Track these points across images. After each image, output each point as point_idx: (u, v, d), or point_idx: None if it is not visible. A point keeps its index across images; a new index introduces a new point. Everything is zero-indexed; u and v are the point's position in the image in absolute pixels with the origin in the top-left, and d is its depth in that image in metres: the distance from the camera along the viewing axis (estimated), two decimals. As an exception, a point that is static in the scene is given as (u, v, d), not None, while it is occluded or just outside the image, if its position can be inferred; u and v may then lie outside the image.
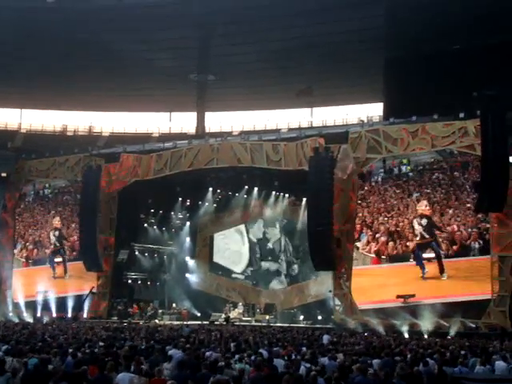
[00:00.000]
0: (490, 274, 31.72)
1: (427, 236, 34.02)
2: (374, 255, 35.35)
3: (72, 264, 44.03)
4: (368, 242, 35.67)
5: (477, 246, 32.54)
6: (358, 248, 35.75)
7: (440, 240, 33.52)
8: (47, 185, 46.62)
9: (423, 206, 34.20)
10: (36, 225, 46.95)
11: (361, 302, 34.93)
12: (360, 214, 36.15)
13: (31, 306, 43.65)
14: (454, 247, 33.05)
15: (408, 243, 34.48)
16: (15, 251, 46.79)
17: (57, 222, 45.48)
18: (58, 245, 45.18)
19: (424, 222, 34.10)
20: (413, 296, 33.57)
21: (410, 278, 34.03)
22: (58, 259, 44.87)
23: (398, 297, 33.85)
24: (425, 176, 34.86)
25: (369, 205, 36.16)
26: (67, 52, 50.80)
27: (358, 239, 35.88)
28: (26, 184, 47.47)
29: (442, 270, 33.24)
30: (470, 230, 32.85)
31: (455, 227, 33.28)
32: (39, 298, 43.71)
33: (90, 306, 42.35)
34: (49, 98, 60.53)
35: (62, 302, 42.86)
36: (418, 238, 34.12)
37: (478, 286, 32.10)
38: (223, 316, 41.35)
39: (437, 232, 33.59)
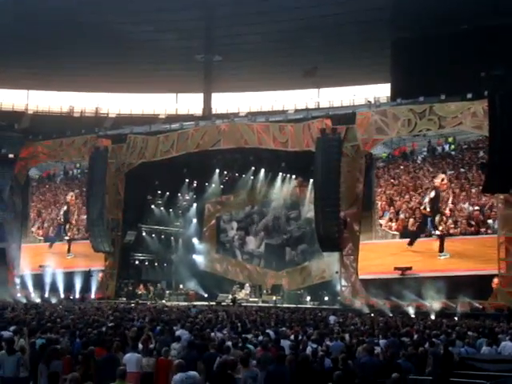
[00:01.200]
0: (496, 253, 31.71)
1: (428, 210, 34.20)
2: (395, 232, 35.48)
3: (80, 243, 44.36)
4: (390, 220, 35.78)
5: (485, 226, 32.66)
6: (380, 225, 35.83)
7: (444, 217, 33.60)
8: (77, 165, 46.57)
9: (439, 180, 34.15)
10: (56, 204, 47.13)
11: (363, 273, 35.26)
12: (389, 192, 36.11)
13: (38, 284, 43.97)
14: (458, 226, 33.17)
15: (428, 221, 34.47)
16: (33, 229, 47.04)
17: (70, 197, 45.65)
18: (62, 221, 45.52)
19: (432, 194, 34.21)
20: (409, 268, 33.90)
21: (417, 252, 34.42)
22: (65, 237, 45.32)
23: (396, 269, 34.17)
24: (465, 155, 34.50)
25: (399, 183, 36.06)
26: (73, 33, 50.70)
27: (382, 216, 35.96)
28: (33, 165, 47.55)
29: (440, 249, 33.48)
30: (479, 209, 32.87)
31: (465, 206, 33.29)
32: (41, 272, 44.11)
33: (98, 286, 42.53)
34: (55, 80, 60.48)
35: (68, 279, 43.10)
36: (422, 208, 34.40)
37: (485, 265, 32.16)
38: (230, 297, 41.47)
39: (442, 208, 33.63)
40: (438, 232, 33.83)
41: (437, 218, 34.01)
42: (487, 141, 31.79)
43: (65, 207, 45.92)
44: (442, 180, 34.10)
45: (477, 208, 33.13)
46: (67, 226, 45.63)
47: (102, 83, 61.07)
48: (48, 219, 47.02)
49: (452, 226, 33.56)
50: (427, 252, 34.20)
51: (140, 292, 43.89)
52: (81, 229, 44.85)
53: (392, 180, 36.29)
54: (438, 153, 35.55)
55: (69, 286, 42.82)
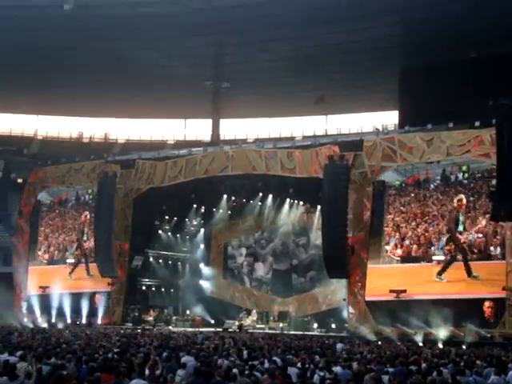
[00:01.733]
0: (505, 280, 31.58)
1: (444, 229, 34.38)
2: (398, 258, 35.52)
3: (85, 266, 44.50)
4: (395, 246, 35.79)
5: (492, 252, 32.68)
6: (386, 251, 35.80)
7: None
8: (89, 190, 46.67)
9: (456, 200, 34.14)
10: (64, 228, 47.25)
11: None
12: (397, 219, 36.17)
13: (45, 308, 44.01)
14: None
15: (433, 248, 34.58)
16: (39, 253, 47.10)
17: (83, 217, 45.76)
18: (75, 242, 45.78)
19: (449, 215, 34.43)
20: (404, 291, 34.04)
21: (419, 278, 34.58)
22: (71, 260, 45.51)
23: (391, 291, 34.29)
24: (477, 184, 34.57)
25: (407, 211, 36.12)
26: (83, 59, 51.11)
27: (388, 243, 35.96)
28: (41, 190, 47.72)
29: (440, 272, 33.58)
30: (482, 236, 32.97)
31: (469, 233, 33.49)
32: (47, 293, 44.28)
33: (105, 311, 42.50)
34: (65, 105, 60.92)
35: (75, 302, 43.17)
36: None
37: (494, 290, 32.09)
38: (237, 323, 41.32)
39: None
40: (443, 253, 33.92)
41: (444, 239, 34.15)
42: None
43: (81, 226, 45.93)
44: (459, 201, 34.00)
45: (480, 235, 33.12)
46: (75, 248, 45.66)
47: (111, 109, 61.52)
48: (54, 243, 47.11)
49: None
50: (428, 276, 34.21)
51: (147, 318, 43.70)
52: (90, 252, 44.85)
53: (402, 207, 36.34)
54: (451, 181, 35.58)
55: (76, 310, 42.81)
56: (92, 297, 43.04)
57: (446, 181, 35.66)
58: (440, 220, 34.88)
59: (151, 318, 43.43)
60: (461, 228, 33.63)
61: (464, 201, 33.87)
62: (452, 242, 33.72)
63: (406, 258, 35.24)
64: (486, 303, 32.13)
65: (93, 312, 42.35)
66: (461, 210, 33.88)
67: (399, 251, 35.59)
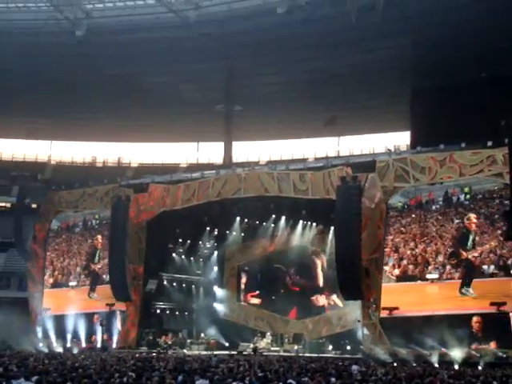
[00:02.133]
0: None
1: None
2: (395, 278, 35.58)
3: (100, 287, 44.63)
4: (393, 266, 35.78)
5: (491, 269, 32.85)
6: (385, 271, 35.77)
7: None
8: (96, 216, 46.91)
9: (466, 220, 34.13)
10: (69, 253, 47.51)
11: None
12: (396, 240, 36.08)
13: (60, 333, 44.25)
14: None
15: (429, 267, 34.68)
16: (45, 277, 47.31)
17: (96, 240, 45.97)
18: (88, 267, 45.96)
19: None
20: (396, 308, 34.30)
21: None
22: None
23: (383, 309, 34.63)
24: (477, 204, 34.42)
25: (407, 231, 36.07)
26: (96, 85, 51.61)
27: (386, 263, 35.91)
28: (55, 215, 47.96)
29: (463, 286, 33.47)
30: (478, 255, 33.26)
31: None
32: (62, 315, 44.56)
33: (120, 335, 42.54)
34: (78, 130, 61.38)
35: (89, 322, 43.66)
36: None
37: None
38: (251, 346, 41.22)
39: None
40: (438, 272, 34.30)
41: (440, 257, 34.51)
42: (502, 190, 32.53)
43: (91, 249, 46.22)
44: (468, 219, 33.96)
45: (476, 255, 33.22)
46: (82, 269, 46.06)
47: (124, 133, 61.88)
48: (59, 267, 47.41)
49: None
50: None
51: (167, 341, 43.60)
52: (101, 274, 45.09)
53: (402, 228, 36.26)
54: (452, 202, 35.57)
55: (90, 331, 43.10)
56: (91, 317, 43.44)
57: (448, 202, 35.58)
58: (438, 240, 34.91)
59: (169, 342, 43.40)
60: (469, 245, 33.57)
61: (474, 220, 33.83)
62: (454, 257, 33.78)
63: (402, 277, 35.33)
64: (474, 318, 32.44)
65: (108, 334, 42.43)
66: (470, 229, 33.85)
67: (397, 271, 35.60)
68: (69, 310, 44.51)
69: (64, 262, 47.35)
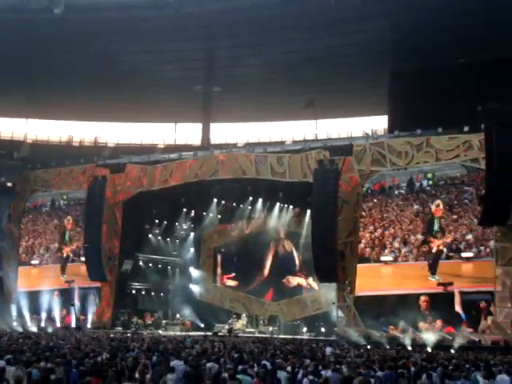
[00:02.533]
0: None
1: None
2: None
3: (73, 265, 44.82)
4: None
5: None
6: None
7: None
8: (64, 196, 46.87)
9: (434, 206, 34.73)
10: (34, 232, 47.83)
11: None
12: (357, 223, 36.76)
13: (34, 312, 44.28)
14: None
15: (386, 251, 35.71)
16: (32, 261, 47.26)
17: (67, 221, 45.91)
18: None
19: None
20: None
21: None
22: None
23: None
24: (438, 190, 35.15)
25: (366, 215, 36.77)
26: (73, 63, 51.02)
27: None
28: (31, 194, 47.72)
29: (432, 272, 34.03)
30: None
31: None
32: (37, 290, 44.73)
33: (94, 315, 42.50)
34: (55, 109, 60.79)
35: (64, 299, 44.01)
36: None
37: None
38: (226, 327, 41.35)
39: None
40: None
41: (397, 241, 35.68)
42: (465, 177, 33.90)
43: (62, 230, 46.31)
44: (437, 206, 34.37)
45: (448, 241, 34.17)
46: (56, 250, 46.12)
47: (101, 113, 61.38)
48: (24, 246, 47.74)
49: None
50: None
51: (147, 322, 43.74)
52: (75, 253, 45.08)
53: (363, 212, 36.86)
54: (416, 188, 36.00)
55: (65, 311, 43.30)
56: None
57: (411, 187, 36.08)
58: (396, 224, 35.92)
59: (149, 322, 43.59)
60: (435, 231, 34.37)
61: (441, 206, 34.32)
62: (426, 244, 34.45)
63: (359, 260, 36.12)
64: (422, 298, 33.79)
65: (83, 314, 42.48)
66: (436, 215, 34.44)
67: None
68: (34, 288, 44.98)
69: (29, 242, 47.41)
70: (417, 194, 35.86)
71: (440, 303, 33.50)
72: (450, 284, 33.18)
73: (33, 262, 46.82)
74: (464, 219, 33.92)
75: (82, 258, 43.42)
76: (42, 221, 47.81)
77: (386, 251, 35.75)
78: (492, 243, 32.51)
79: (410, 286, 34.69)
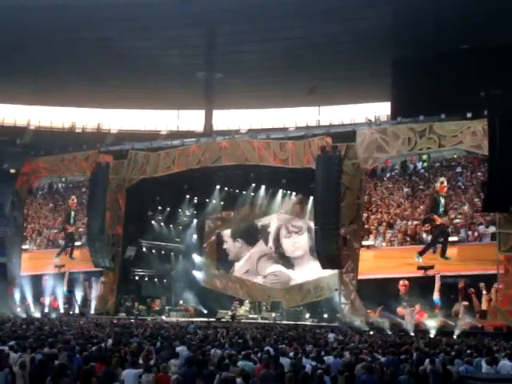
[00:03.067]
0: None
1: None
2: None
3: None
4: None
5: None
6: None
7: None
8: (63, 179, 46.98)
9: (439, 184, 34.64)
10: (28, 217, 47.93)
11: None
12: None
13: (38, 297, 44.55)
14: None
15: (370, 235, 36.10)
16: (33, 246, 47.40)
17: (71, 201, 46.09)
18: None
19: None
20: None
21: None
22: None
23: None
24: (431, 173, 35.22)
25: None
26: (76, 49, 51.00)
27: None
28: (34, 180, 47.78)
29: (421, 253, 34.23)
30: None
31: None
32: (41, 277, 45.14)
33: (98, 301, 42.67)
34: (57, 95, 60.76)
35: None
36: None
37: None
38: (230, 313, 41.48)
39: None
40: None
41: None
42: (461, 159, 34.09)
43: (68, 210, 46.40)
44: (442, 183, 34.40)
45: (416, 223, 34.54)
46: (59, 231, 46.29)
47: (104, 99, 61.39)
48: (44, 232, 47.51)
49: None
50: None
51: (154, 308, 44.01)
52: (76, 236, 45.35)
53: None
54: (409, 171, 36.07)
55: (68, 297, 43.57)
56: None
57: (405, 169, 36.18)
58: (383, 208, 36.08)
59: (157, 308, 43.85)
60: (441, 210, 34.16)
61: (445, 183, 34.29)
62: (429, 223, 34.24)
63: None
64: (401, 282, 33.99)
65: (86, 301, 42.68)
66: (442, 193, 34.28)
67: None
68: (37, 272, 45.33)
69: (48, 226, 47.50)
70: (409, 177, 35.89)
71: (421, 288, 33.59)
72: (431, 268, 33.25)
73: (24, 246, 47.09)
74: (454, 203, 33.98)
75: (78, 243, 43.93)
76: (37, 205, 47.88)
77: (372, 236, 35.95)
78: (482, 228, 32.57)
79: (392, 271, 34.89)
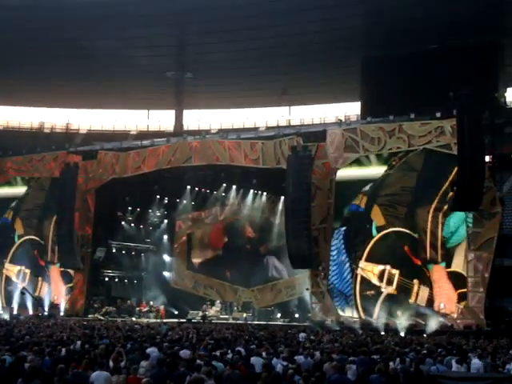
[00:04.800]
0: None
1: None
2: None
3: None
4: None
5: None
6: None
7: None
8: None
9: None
10: None
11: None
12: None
13: (7, 299, 44.26)
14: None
15: None
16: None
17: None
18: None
19: None
20: None
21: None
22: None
23: None
24: None
25: None
26: (44, 49, 50.53)
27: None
28: (1, 181, 47.30)
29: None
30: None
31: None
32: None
33: (67, 302, 42.34)
34: (26, 95, 60.14)
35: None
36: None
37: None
38: (200, 314, 41.35)
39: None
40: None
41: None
42: None
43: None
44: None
45: None
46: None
47: (73, 99, 60.84)
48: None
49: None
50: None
51: (142, 310, 43.73)
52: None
53: None
54: None
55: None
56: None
57: None
58: None
59: (144, 310, 43.63)
60: None
61: None
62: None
63: None
64: None
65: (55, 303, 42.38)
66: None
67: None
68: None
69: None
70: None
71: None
72: None
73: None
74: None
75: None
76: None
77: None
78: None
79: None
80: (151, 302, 45.22)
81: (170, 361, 14.62)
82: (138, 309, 43.68)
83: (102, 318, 40.25)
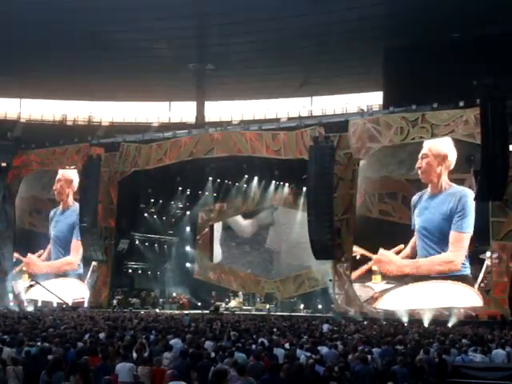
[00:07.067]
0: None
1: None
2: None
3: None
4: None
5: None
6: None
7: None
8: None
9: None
10: None
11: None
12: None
13: (31, 293, 44.56)
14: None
15: None
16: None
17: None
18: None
19: None
20: None
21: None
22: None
23: None
24: None
25: None
26: (67, 42, 50.63)
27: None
28: (25, 174, 47.61)
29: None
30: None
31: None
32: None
33: (91, 294, 42.58)
34: (48, 88, 60.39)
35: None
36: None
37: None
38: (224, 305, 41.47)
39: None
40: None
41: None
42: None
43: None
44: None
45: None
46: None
47: (95, 91, 60.99)
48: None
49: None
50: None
51: (133, 301, 43.77)
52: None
53: None
54: None
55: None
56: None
57: None
58: None
59: (184, 300, 44.21)
60: None
61: None
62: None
63: None
64: None
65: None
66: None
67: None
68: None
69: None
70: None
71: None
72: None
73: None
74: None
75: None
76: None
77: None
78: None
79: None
80: (174, 294, 45.40)
81: (193, 352, 14.64)
82: (136, 300, 43.91)
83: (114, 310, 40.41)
